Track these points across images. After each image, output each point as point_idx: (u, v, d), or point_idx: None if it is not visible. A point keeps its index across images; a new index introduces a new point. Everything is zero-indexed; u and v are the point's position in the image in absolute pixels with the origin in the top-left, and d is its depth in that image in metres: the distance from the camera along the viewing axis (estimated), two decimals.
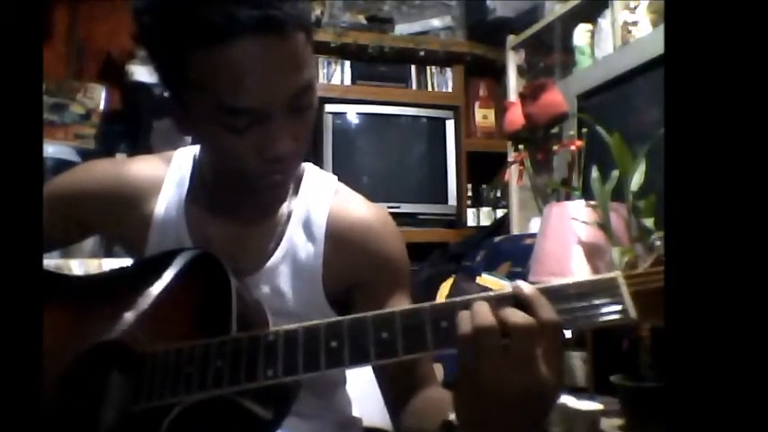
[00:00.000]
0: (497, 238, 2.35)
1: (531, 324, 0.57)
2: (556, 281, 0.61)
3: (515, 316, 0.57)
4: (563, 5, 2.28)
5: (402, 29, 3.15)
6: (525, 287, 0.60)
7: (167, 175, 0.93)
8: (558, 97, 1.86)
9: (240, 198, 0.89)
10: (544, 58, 2.52)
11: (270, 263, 0.88)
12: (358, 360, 0.62)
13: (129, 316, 0.75)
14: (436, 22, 3.24)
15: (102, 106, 2.76)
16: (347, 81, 2.99)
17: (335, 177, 0.96)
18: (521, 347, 0.56)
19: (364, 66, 3.02)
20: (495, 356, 0.57)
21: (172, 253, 0.81)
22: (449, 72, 3.12)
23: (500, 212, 3.00)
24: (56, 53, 2.81)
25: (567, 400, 1.18)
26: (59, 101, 2.69)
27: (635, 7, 1.93)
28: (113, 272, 0.87)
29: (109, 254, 2.29)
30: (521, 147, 2.03)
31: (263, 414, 0.69)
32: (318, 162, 1.69)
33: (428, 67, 3.11)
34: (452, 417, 0.63)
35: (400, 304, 0.87)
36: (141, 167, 0.93)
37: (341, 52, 2.96)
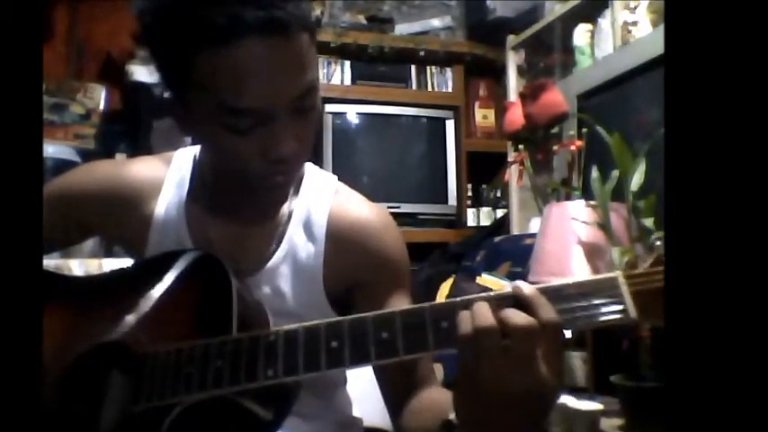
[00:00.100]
0: (497, 238, 2.35)
1: (531, 324, 0.57)
2: (556, 281, 0.61)
3: (515, 316, 0.57)
4: (563, 5, 2.28)
5: (402, 29, 3.15)
6: (525, 287, 0.60)
7: (167, 175, 0.93)
8: (558, 97, 1.86)
9: (241, 198, 0.89)
10: (544, 58, 2.52)
11: (270, 263, 0.88)
12: (358, 360, 0.62)
13: (129, 316, 0.75)
14: (436, 22, 3.24)
15: (102, 106, 2.76)
16: (347, 81, 2.99)
17: (336, 177, 0.96)
18: (521, 348, 0.56)
19: (364, 66, 3.02)
20: (496, 357, 0.57)
21: (172, 254, 0.81)
22: (449, 72, 3.12)
23: (500, 212, 3.00)
24: (56, 53, 2.81)
25: (567, 400, 1.18)
26: (59, 101, 2.69)
27: (635, 7, 1.93)
28: (114, 272, 0.87)
29: (109, 254, 2.29)
30: (521, 147, 2.03)
31: (264, 414, 0.69)
32: (318, 162, 1.69)
33: (428, 67, 3.11)
34: (452, 416, 0.63)
35: (400, 304, 0.87)
36: (141, 168, 0.93)
37: (341, 52, 2.96)
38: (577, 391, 1.39)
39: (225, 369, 0.65)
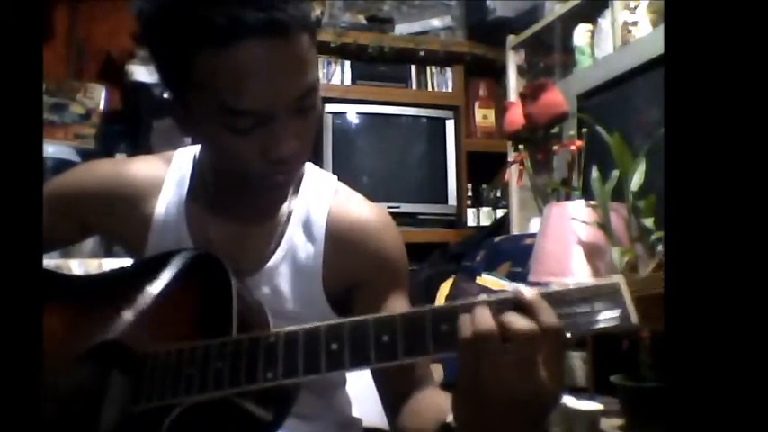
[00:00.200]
0: (497, 238, 2.35)
1: (532, 329, 0.56)
2: (557, 284, 0.61)
3: (516, 321, 0.57)
4: (563, 5, 2.28)
5: (402, 29, 3.15)
6: (526, 291, 0.59)
7: (167, 175, 0.93)
8: (558, 97, 1.86)
9: (241, 198, 0.89)
10: (544, 58, 2.52)
11: (270, 263, 0.88)
12: (358, 363, 0.62)
13: (129, 316, 0.75)
14: (436, 22, 3.24)
15: (101, 106, 2.76)
16: (347, 81, 2.99)
17: (335, 177, 0.96)
18: (522, 352, 0.56)
19: (364, 66, 3.02)
20: (496, 361, 0.56)
21: (173, 253, 0.81)
22: (449, 72, 3.12)
23: (500, 212, 3.00)
24: (56, 53, 2.81)
25: (567, 400, 1.18)
26: (59, 101, 2.69)
27: (635, 7, 1.93)
28: (114, 272, 0.87)
29: (109, 254, 2.29)
30: (521, 147, 2.02)
31: (263, 415, 0.69)
32: (318, 162, 1.69)
33: (428, 67, 3.11)
34: (450, 419, 0.63)
35: (399, 304, 0.88)
36: (141, 167, 0.93)
37: (341, 52, 2.96)
38: (577, 391, 1.39)
39: (225, 370, 0.65)
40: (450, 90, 3.12)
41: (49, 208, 0.82)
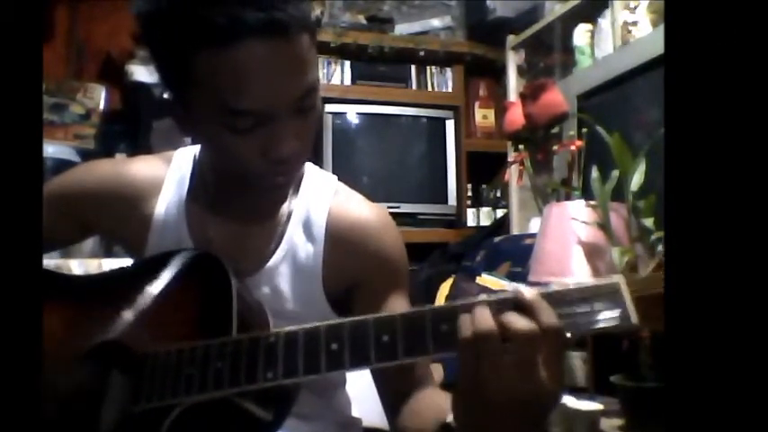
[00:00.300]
0: (497, 238, 2.35)
1: (532, 330, 0.56)
2: (557, 284, 0.61)
3: (517, 321, 0.57)
4: (563, 5, 2.28)
5: (402, 29, 3.15)
6: (526, 291, 0.59)
7: (167, 175, 0.93)
8: (558, 97, 1.86)
9: (241, 198, 0.89)
10: (544, 58, 2.52)
11: (270, 263, 0.88)
12: (358, 363, 0.62)
13: (129, 316, 0.75)
14: (436, 22, 3.24)
15: (101, 106, 2.76)
16: (347, 81, 2.99)
17: (335, 177, 0.96)
18: (522, 353, 0.56)
19: (364, 66, 3.01)
20: (496, 361, 0.56)
21: (173, 253, 0.81)
22: (449, 72, 3.12)
23: (500, 212, 3.00)
24: (56, 53, 2.81)
25: (567, 400, 1.18)
26: (59, 101, 2.69)
27: (635, 7, 1.93)
28: (114, 272, 0.87)
29: (109, 254, 2.29)
30: (521, 147, 2.02)
31: (263, 415, 0.69)
32: (318, 162, 1.69)
33: (428, 67, 3.11)
34: (450, 419, 0.63)
35: (399, 304, 0.88)
36: (141, 167, 0.93)
37: (341, 52, 2.96)
38: (577, 391, 1.39)
39: (225, 370, 0.65)
40: (450, 90, 3.12)
41: (48, 208, 0.82)
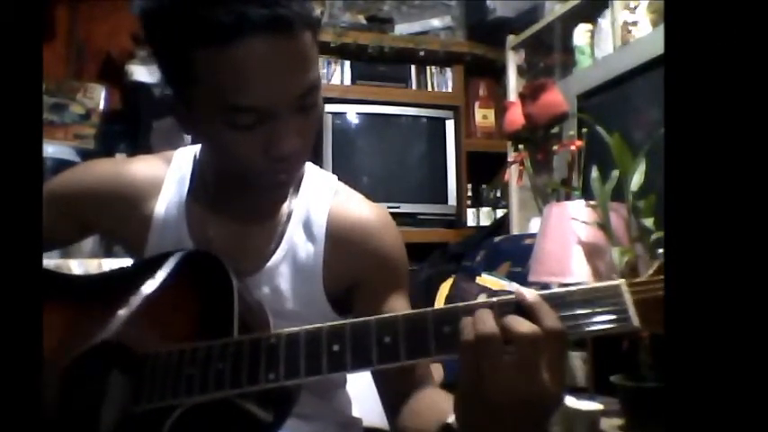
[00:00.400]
0: (497, 238, 2.35)
1: (534, 332, 0.56)
2: (559, 286, 0.61)
3: (519, 324, 0.57)
4: (563, 5, 2.28)
5: (402, 29, 3.15)
6: (528, 294, 0.59)
7: (168, 174, 0.92)
8: (558, 97, 1.86)
9: (241, 198, 0.88)
10: (544, 58, 2.52)
11: (270, 263, 0.88)
12: (360, 364, 0.62)
13: (129, 316, 0.75)
14: (436, 22, 3.24)
15: (101, 106, 2.76)
16: (347, 81, 2.99)
17: (335, 177, 0.96)
18: (523, 355, 0.56)
19: (364, 66, 3.01)
20: (497, 364, 0.56)
21: (173, 253, 0.81)
22: (449, 72, 3.12)
23: (500, 212, 3.00)
24: (56, 53, 2.81)
25: (567, 400, 1.18)
26: (59, 101, 2.69)
27: (635, 7, 1.93)
28: (114, 272, 0.87)
29: (109, 254, 2.29)
30: (521, 147, 2.03)
31: (264, 416, 0.69)
32: (318, 162, 1.69)
33: (428, 67, 3.11)
34: (451, 420, 0.63)
35: (399, 304, 0.88)
36: (141, 167, 0.93)
37: (341, 52, 2.96)
38: (577, 391, 1.39)
39: (226, 371, 0.65)
40: (450, 90, 3.12)
41: (48, 207, 0.82)
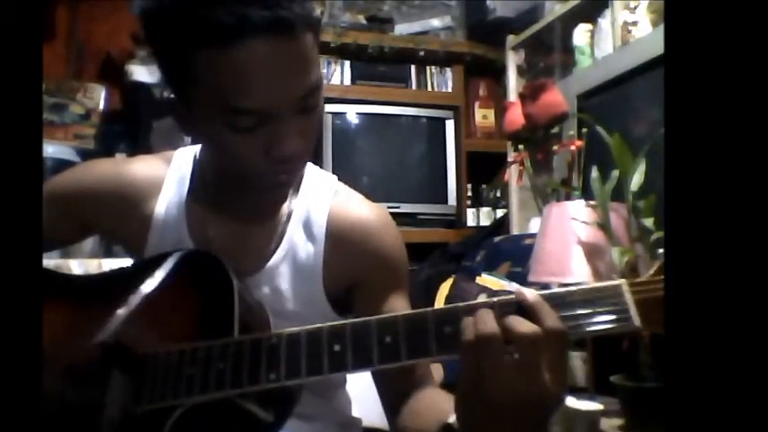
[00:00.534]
0: (497, 238, 2.35)
1: (535, 332, 0.56)
2: (559, 286, 0.61)
3: (519, 325, 0.57)
4: (563, 5, 2.28)
5: (402, 29, 3.15)
6: (529, 294, 0.59)
7: (168, 174, 0.92)
8: (557, 97, 1.86)
9: (241, 198, 0.88)
10: (544, 58, 2.52)
11: (270, 263, 0.88)
12: (361, 364, 0.62)
13: (129, 316, 0.75)
14: (436, 22, 3.24)
15: (101, 106, 2.76)
16: (347, 81, 2.99)
17: (335, 177, 0.96)
18: (525, 356, 0.56)
19: (364, 66, 3.01)
20: (498, 364, 0.56)
21: (173, 253, 0.81)
22: (449, 72, 3.12)
23: (500, 212, 3.00)
24: (56, 53, 2.81)
25: (566, 400, 1.18)
26: (59, 101, 2.69)
27: (635, 7, 1.93)
28: (114, 272, 0.87)
29: (109, 254, 2.29)
30: (521, 147, 2.03)
31: (265, 416, 0.69)
32: (318, 162, 1.69)
33: (428, 67, 3.11)
34: (452, 420, 0.63)
35: (399, 304, 0.88)
36: (141, 167, 0.93)
37: (341, 52, 2.96)
38: (577, 391, 1.39)
39: (227, 372, 0.65)
40: (450, 90, 3.12)
41: (48, 207, 0.82)
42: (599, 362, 1.46)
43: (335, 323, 0.65)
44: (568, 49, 2.28)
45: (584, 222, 1.32)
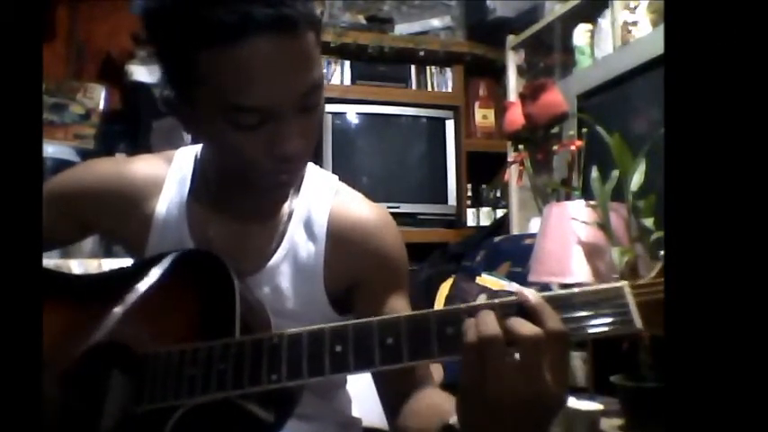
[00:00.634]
0: (497, 238, 2.35)
1: (536, 334, 0.56)
2: (559, 286, 0.61)
3: (521, 326, 0.57)
4: (563, 5, 2.28)
5: (402, 29, 3.15)
6: (531, 295, 0.59)
7: (168, 174, 0.92)
8: (557, 97, 1.86)
9: (243, 197, 0.88)
10: (544, 58, 2.52)
11: (271, 263, 0.88)
12: (363, 365, 0.62)
13: (130, 316, 0.75)
14: (436, 22, 3.24)
15: (101, 106, 2.76)
16: (347, 81, 2.99)
17: (336, 177, 0.96)
18: (526, 357, 0.56)
19: (364, 66, 3.01)
20: (500, 366, 0.56)
21: (174, 253, 0.81)
22: (449, 72, 3.12)
23: (500, 212, 3.00)
24: (56, 53, 2.81)
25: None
26: (59, 101, 2.69)
27: (635, 7, 1.93)
28: (114, 272, 0.87)
29: (109, 254, 2.29)
30: (521, 147, 2.03)
31: (266, 417, 0.69)
32: (318, 162, 1.69)
33: (428, 67, 3.11)
34: (453, 421, 0.63)
35: (399, 304, 0.88)
36: (142, 167, 0.93)
37: (341, 52, 2.96)
38: (577, 391, 1.39)
39: (228, 372, 0.65)
40: (449, 90, 3.12)
41: (48, 207, 0.82)
42: (599, 362, 1.46)
43: (337, 324, 0.65)
44: (568, 49, 2.28)
45: (584, 222, 1.32)
